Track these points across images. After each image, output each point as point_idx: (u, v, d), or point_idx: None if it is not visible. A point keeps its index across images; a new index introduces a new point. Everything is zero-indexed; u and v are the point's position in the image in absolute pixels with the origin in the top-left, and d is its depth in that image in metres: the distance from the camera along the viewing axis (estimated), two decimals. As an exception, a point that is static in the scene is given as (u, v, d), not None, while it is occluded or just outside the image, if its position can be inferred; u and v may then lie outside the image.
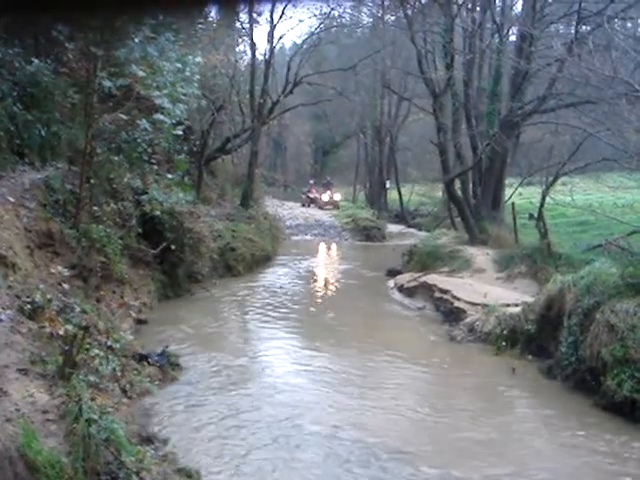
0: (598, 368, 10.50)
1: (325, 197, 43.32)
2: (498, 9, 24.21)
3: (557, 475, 8.28)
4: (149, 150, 14.64)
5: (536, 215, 19.28)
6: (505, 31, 23.76)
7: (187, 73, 13.76)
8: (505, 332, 13.39)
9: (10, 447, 5.25)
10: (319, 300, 19.35)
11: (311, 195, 44.17)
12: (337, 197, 43.92)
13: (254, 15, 28.18)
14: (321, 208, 41.92)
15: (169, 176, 16.81)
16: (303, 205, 43.38)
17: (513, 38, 25.17)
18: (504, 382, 11.83)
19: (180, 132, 15.05)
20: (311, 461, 8.20)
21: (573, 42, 17.40)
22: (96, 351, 8.56)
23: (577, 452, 8.96)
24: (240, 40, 31.53)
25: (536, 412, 10.56)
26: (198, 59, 14.95)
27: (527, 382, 11.71)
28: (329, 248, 30.84)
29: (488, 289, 16.11)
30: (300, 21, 31.60)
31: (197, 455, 8.01)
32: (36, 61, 13.22)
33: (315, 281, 23.07)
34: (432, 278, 18.28)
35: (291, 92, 31.00)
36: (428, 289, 17.75)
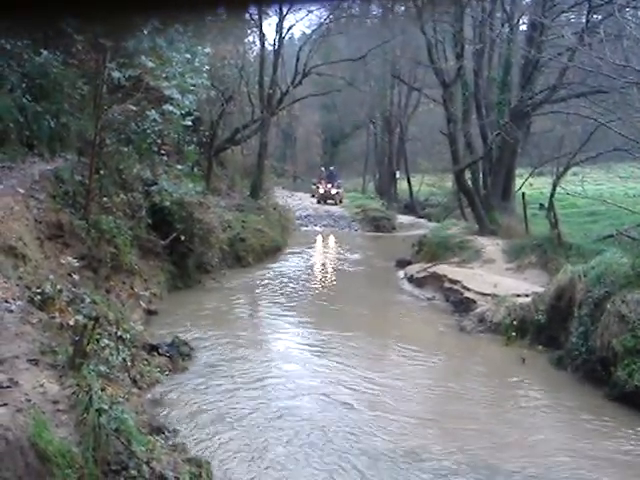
0: (608, 358, 10.47)
1: (322, 190, 40.60)
2: (508, -2, 24.08)
3: (561, 462, 8.27)
4: (158, 141, 14.67)
5: (546, 205, 19.25)
6: (515, 20, 23.62)
7: (196, 64, 13.77)
8: (515, 322, 13.37)
9: (21, 437, 5.27)
10: (329, 290, 19.35)
11: (320, 186, 41.49)
12: (334, 191, 40.62)
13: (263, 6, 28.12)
14: (323, 202, 39.82)
15: (179, 167, 16.85)
16: (313, 196, 41.77)
17: (524, 27, 25.08)
18: (513, 372, 11.82)
19: (189, 123, 15.08)
20: (324, 455, 8.20)
21: (584, 31, 17.29)
22: (106, 341, 8.58)
23: (584, 440, 8.97)
24: (249, 31, 31.46)
25: (545, 402, 10.53)
26: (207, 50, 14.94)
27: (537, 372, 11.70)
28: (339, 239, 30.79)
29: (498, 279, 16.07)
30: (309, 12, 31.42)
31: (207, 445, 8.03)
32: (45, 52, 13.23)
33: (325, 271, 23.08)
34: (442, 268, 18.26)
35: (300, 83, 30.90)
36: (438, 279, 17.73)
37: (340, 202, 39.77)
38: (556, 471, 8.11)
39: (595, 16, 19.50)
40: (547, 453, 8.59)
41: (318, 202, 39.69)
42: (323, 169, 44.52)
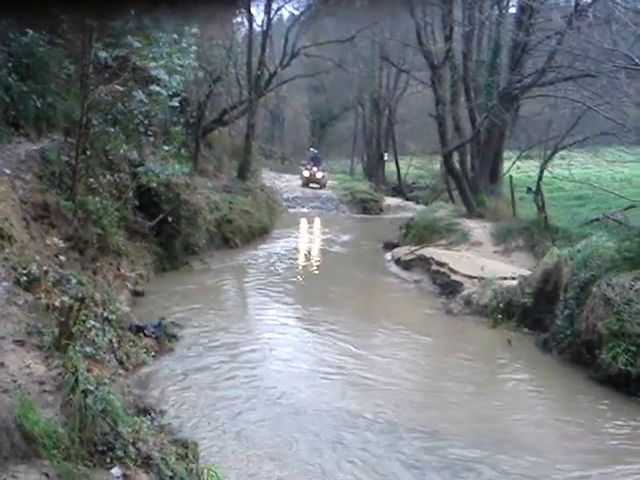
0: (593, 341, 10.55)
1: (306, 173, 39.02)
2: (498, -20, 24.00)
3: (542, 441, 8.38)
4: (145, 122, 14.55)
5: (534, 189, 19.27)
6: (505, 3, 23.60)
7: (184, 44, 13.63)
8: (501, 305, 13.45)
9: (7, 418, 5.27)
10: (316, 272, 19.40)
11: (306, 169, 39.72)
12: (319, 175, 39.04)
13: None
14: (305, 185, 38.39)
15: (166, 148, 16.69)
16: (301, 178, 40.10)
17: (513, 10, 25.04)
18: (499, 354, 11.93)
19: (177, 104, 14.92)
20: (307, 436, 8.25)
21: (573, 15, 17.30)
22: (92, 322, 8.56)
23: (559, 418, 9.18)
24: (237, 11, 31.22)
25: (529, 383, 10.65)
26: (194, 30, 14.81)
27: (522, 354, 11.79)
28: (326, 221, 30.79)
29: (485, 262, 16.14)
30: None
31: (194, 426, 8.06)
32: (31, 32, 13.09)
33: (311, 253, 23.12)
34: (429, 251, 18.31)
35: (289, 64, 30.77)
36: (425, 262, 17.77)
37: (324, 186, 38.60)
38: (519, 440, 8.41)
39: (584, 0, 19.47)
40: (517, 427, 8.89)
41: (303, 185, 38.54)
42: (312, 149, 43.82)
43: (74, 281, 9.34)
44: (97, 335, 8.51)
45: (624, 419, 9.15)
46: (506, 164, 25.32)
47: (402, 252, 19.71)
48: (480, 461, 7.77)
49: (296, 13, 36.67)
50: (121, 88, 13.08)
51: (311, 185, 38.43)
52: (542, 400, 10.01)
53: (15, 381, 5.91)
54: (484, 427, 8.72)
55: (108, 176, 14.10)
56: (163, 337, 10.87)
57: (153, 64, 12.84)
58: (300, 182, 39.38)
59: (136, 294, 13.45)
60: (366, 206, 34.52)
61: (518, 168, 26.07)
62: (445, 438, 8.38)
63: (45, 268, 8.95)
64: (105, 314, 9.55)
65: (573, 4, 19.42)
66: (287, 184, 38.31)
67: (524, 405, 9.85)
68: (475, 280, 15.10)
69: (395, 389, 9.95)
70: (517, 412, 9.51)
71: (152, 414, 7.63)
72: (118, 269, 13.11)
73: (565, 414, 9.30)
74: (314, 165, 39.43)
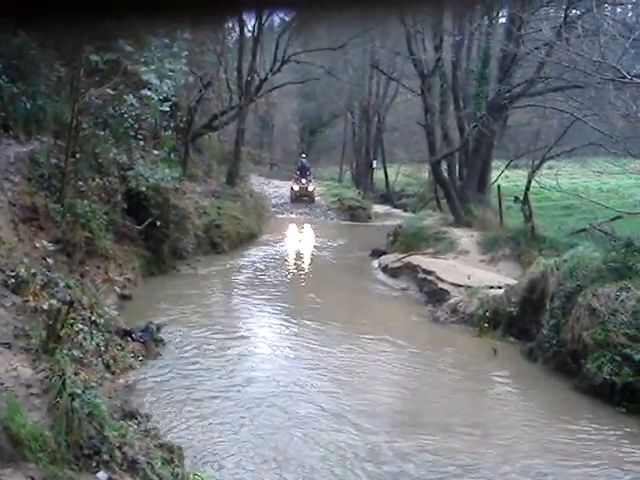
0: (579, 351, 10.60)
1: (296, 187, 35.91)
2: (488, -9, 24.07)
3: (525, 450, 8.43)
4: (135, 126, 14.59)
5: (521, 198, 19.38)
6: (495, 13, 23.70)
7: (175, 49, 13.68)
8: (488, 314, 13.48)
9: (-7, 420, 5.28)
10: (303, 279, 19.41)
11: (295, 183, 36.60)
12: (311, 188, 36.12)
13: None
14: (294, 200, 35.62)
15: (155, 152, 16.73)
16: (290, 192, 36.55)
17: (503, 20, 25.18)
18: (485, 363, 11.96)
19: (167, 108, 14.97)
20: (293, 446, 8.27)
21: (562, 26, 17.39)
22: (80, 326, 8.57)
23: (549, 430, 9.14)
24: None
25: (511, 391, 10.71)
26: (186, 35, 14.86)
27: (508, 364, 11.83)
28: (314, 227, 30.80)
29: (472, 271, 16.18)
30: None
31: (180, 430, 8.06)
32: (22, 33, 13.08)
33: (299, 260, 23.11)
34: (416, 259, 18.34)
35: (279, 70, 30.87)
36: (412, 270, 17.80)
37: (313, 200, 35.93)
38: (481, 434, 8.68)
39: (574, 11, 19.62)
40: (486, 426, 9.05)
41: (292, 201, 35.67)
42: (303, 155, 40.73)
43: (62, 284, 9.35)
44: (84, 339, 8.51)
45: (603, 426, 9.19)
46: (494, 173, 25.41)
47: (389, 260, 19.74)
48: (423, 449, 8.01)
49: (287, 19, 36.80)
50: (112, 92, 13.11)
51: (303, 199, 35.69)
52: (520, 406, 10.07)
53: (2, 384, 5.91)
54: (449, 421, 8.84)
55: (97, 179, 14.09)
56: (150, 341, 10.87)
57: (144, 68, 12.89)
58: (288, 192, 36.55)
59: (124, 298, 13.44)
60: (354, 213, 34.40)
61: (506, 177, 26.21)
62: (397, 424, 8.69)
63: (33, 271, 8.94)
64: (93, 318, 9.55)
65: (562, 16, 19.53)
66: (276, 190, 38.17)
67: (501, 409, 9.93)
68: (462, 289, 15.14)
69: (363, 383, 10.21)
70: (491, 414, 9.61)
71: (138, 418, 7.63)
72: (106, 273, 13.11)
73: (542, 420, 9.34)
74: (302, 176, 36.48)
